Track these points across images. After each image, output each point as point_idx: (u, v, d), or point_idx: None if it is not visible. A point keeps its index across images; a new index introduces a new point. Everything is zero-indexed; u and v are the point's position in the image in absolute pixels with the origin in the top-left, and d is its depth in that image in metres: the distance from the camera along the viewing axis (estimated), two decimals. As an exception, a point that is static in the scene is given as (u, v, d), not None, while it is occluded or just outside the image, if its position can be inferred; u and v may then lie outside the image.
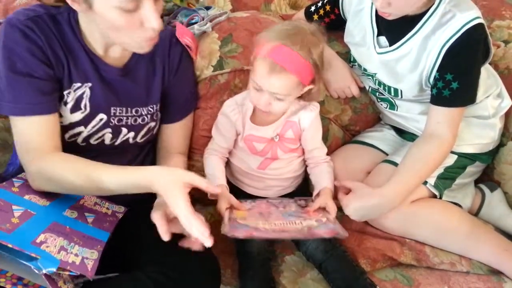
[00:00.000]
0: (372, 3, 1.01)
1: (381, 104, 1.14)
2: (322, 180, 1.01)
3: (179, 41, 0.98)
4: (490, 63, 1.08)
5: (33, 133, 0.78)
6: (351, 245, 0.98)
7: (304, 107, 1.01)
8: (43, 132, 0.79)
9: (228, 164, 1.06)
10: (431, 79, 0.96)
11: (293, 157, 1.04)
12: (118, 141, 0.91)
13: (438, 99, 0.95)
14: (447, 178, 1.03)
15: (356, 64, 1.11)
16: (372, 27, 1.02)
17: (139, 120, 0.92)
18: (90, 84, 0.84)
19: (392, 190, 0.93)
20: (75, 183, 0.74)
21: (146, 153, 1.00)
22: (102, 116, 0.87)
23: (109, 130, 0.88)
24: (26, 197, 0.74)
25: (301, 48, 0.86)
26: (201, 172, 1.04)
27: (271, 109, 0.93)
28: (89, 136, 0.87)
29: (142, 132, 0.94)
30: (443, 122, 0.96)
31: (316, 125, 1.04)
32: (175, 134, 1.01)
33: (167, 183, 0.71)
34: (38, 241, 0.65)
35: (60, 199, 0.78)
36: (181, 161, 1.00)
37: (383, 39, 1.02)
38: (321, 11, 1.15)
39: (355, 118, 1.19)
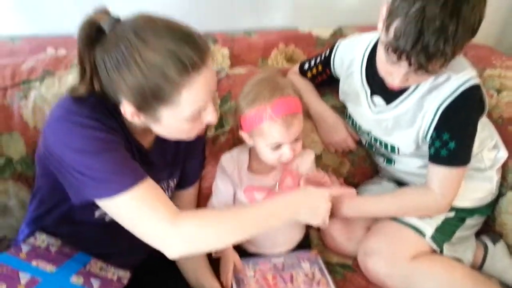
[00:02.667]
0: (361, 67, 1.10)
1: (378, 159, 1.22)
2: None
3: None
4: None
5: (154, 196, 0.78)
6: (354, 302, 1.02)
7: (301, 155, 1.09)
8: (161, 193, 0.80)
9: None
10: (428, 137, 1.02)
11: None
12: None
13: (436, 158, 1.01)
14: (446, 231, 1.09)
15: (350, 121, 1.19)
16: (365, 88, 1.10)
17: None
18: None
19: (355, 210, 1.08)
20: (220, 242, 0.82)
21: None
22: None
23: None
24: (34, 263, 0.80)
25: (288, 91, 0.97)
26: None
27: (296, 153, 1.02)
28: None
29: None
30: (438, 181, 1.02)
31: (314, 170, 1.12)
32: (189, 197, 1.10)
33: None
34: (45, 309, 0.70)
35: (67, 264, 0.83)
36: None
37: (377, 99, 1.08)
38: (314, 70, 1.25)
39: (353, 171, 1.26)
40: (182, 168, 1.05)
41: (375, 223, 1.13)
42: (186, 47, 0.73)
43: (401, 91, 1.03)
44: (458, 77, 0.96)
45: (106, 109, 0.81)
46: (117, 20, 0.76)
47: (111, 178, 0.76)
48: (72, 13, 1.30)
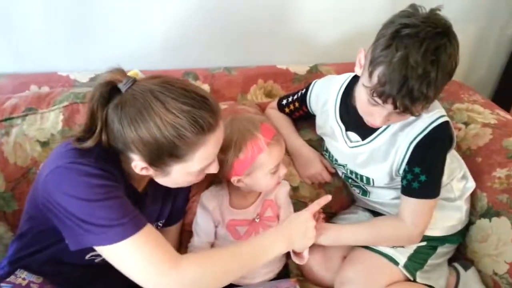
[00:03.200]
0: (335, 106, 1.18)
1: (354, 190, 1.28)
2: None
3: None
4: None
5: (154, 242, 0.80)
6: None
7: (277, 187, 1.15)
8: (160, 238, 0.83)
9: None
10: (401, 171, 1.09)
11: None
12: None
13: (407, 190, 1.08)
14: (418, 259, 1.14)
15: (328, 154, 1.26)
16: (339, 125, 1.17)
17: None
18: None
19: (331, 239, 1.12)
20: (220, 283, 0.84)
21: None
22: None
23: None
24: (14, 302, 0.82)
25: (261, 117, 1.09)
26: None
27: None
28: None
29: None
30: (410, 212, 1.08)
31: (288, 199, 1.19)
32: (173, 234, 1.14)
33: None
34: None
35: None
36: None
37: (352, 134, 1.16)
38: (292, 106, 1.33)
39: (330, 201, 1.29)
40: (171, 207, 1.10)
41: (351, 253, 1.18)
42: (203, 110, 0.80)
43: (375, 128, 1.10)
44: (429, 115, 1.04)
45: (109, 157, 0.84)
46: (133, 81, 0.82)
47: (113, 225, 0.77)
48: (56, 51, 1.38)
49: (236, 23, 1.50)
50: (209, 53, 1.53)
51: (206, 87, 1.46)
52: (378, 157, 1.12)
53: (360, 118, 1.07)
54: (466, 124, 1.45)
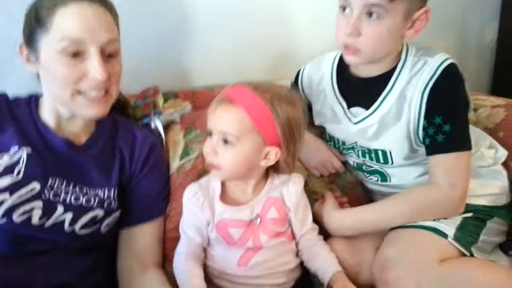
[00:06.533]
0: (331, 81, 1.08)
1: (371, 179, 1.11)
2: (329, 264, 0.91)
3: (148, 136, 1.01)
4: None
5: None
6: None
7: (286, 181, 0.95)
8: None
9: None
10: (420, 131, 0.96)
11: (281, 244, 0.92)
12: (50, 222, 0.81)
13: (433, 148, 0.94)
14: (469, 231, 0.94)
15: (332, 142, 1.13)
16: (339, 102, 1.06)
17: (82, 200, 0.85)
18: (29, 149, 0.84)
19: (357, 221, 0.98)
20: None
21: (92, 266, 0.88)
22: (35, 185, 0.81)
23: (40, 204, 0.80)
24: None
25: (261, 93, 0.86)
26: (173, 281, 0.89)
27: (218, 159, 0.86)
28: (13, 207, 0.78)
29: (84, 219, 0.84)
30: (442, 171, 0.94)
31: (305, 200, 0.97)
32: (150, 240, 0.94)
33: None
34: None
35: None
36: (163, 277, 0.91)
37: (356, 109, 1.04)
38: None
39: (345, 199, 1.12)
40: (135, 196, 0.94)
41: (385, 236, 0.96)
42: None
43: (379, 92, 1.00)
44: (434, 59, 0.96)
45: (25, 100, 0.91)
46: None
47: None
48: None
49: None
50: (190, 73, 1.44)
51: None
52: (390, 121, 0.99)
53: (361, 85, 0.99)
54: (475, 110, 1.35)
